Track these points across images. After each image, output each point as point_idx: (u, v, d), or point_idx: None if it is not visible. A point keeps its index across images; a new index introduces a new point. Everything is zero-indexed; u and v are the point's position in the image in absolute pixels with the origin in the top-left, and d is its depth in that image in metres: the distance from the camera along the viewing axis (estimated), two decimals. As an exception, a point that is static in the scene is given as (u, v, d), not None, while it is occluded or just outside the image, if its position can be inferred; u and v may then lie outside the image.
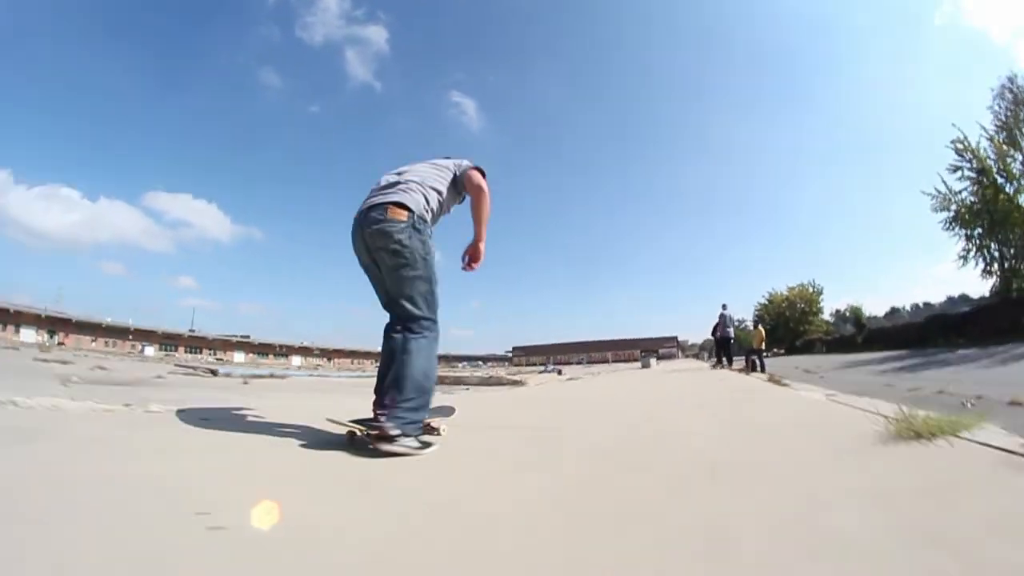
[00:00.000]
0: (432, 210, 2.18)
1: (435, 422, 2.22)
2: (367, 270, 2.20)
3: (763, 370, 12.55)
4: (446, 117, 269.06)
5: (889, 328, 31.04)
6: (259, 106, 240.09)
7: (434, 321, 2.10)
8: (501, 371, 22.56)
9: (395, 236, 2.01)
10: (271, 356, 67.13)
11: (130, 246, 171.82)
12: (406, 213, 2.04)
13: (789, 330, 46.05)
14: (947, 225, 23.04)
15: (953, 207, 22.74)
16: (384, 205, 2.05)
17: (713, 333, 15.53)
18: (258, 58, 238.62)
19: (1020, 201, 20.27)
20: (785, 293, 49.60)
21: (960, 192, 22.43)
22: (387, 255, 2.04)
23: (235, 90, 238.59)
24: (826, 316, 49.41)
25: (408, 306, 2.04)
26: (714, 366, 14.07)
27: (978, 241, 22.52)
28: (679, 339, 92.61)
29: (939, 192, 23.07)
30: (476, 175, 2.28)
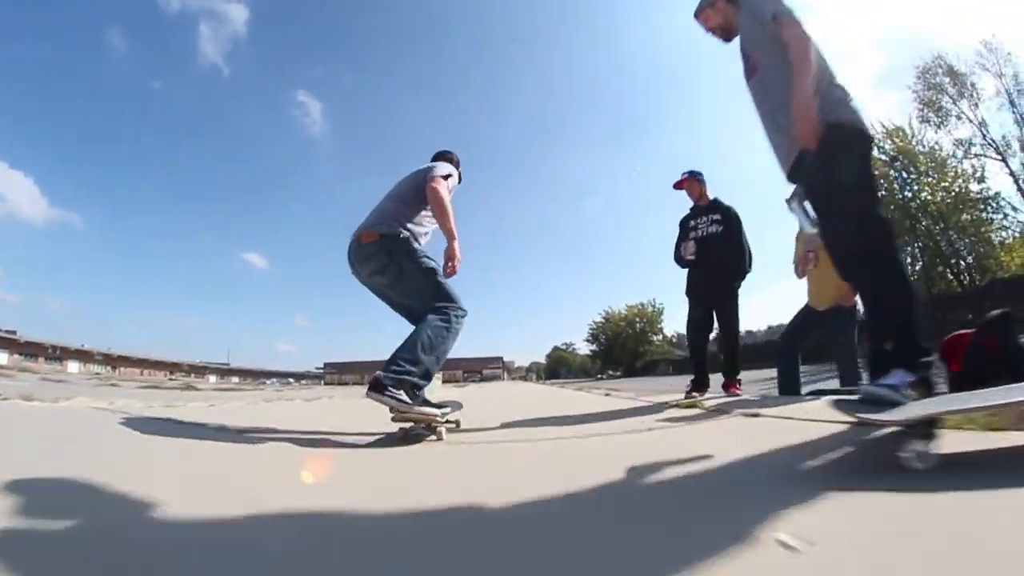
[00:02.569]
0: (410, 221, 2.42)
1: (453, 416, 2.34)
2: (378, 295, 2.54)
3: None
4: (288, 116, 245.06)
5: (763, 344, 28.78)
6: (99, 70, 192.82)
7: (453, 303, 2.34)
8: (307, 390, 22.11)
9: (375, 259, 2.37)
10: (41, 359, 54.58)
11: None
12: (377, 235, 2.36)
13: (627, 351, 44.04)
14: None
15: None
16: (357, 236, 2.42)
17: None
18: (107, 12, 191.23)
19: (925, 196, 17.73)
20: (624, 312, 47.84)
21: None
22: (380, 277, 2.42)
23: (75, 43, 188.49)
24: (670, 335, 48.94)
25: (424, 304, 2.31)
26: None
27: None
28: (504, 360, 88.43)
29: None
30: (431, 184, 2.41)
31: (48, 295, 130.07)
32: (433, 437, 2.19)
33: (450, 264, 2.40)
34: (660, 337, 46.31)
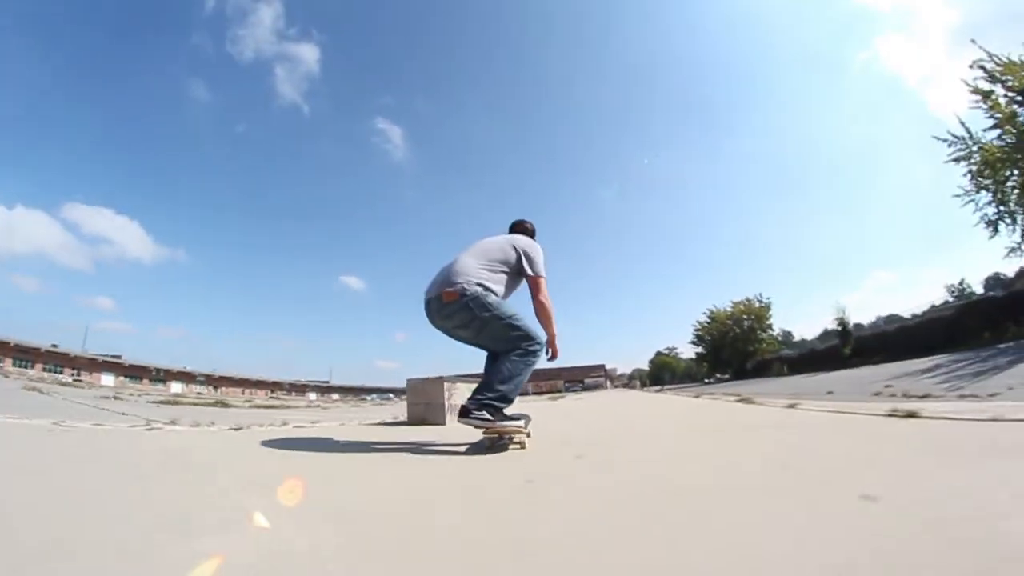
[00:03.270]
0: (490, 281, 2.69)
1: (527, 427, 2.64)
2: (457, 339, 2.82)
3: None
4: (371, 144, 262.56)
5: (878, 335, 25.04)
6: (186, 120, 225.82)
7: (528, 340, 2.66)
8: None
9: (458, 316, 2.63)
10: (145, 380, 57.79)
11: (47, 260, 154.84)
12: (457, 295, 2.60)
13: (736, 351, 40.63)
14: (970, 178, 15.80)
15: (975, 153, 15.41)
16: (438, 295, 2.65)
17: None
18: (188, 68, 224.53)
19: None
20: (729, 309, 44.31)
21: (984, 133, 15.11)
22: (463, 331, 2.69)
23: (163, 99, 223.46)
24: (776, 333, 44.63)
25: (505, 345, 2.64)
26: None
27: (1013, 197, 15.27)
28: (607, 367, 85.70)
29: (955, 137, 15.61)
30: (541, 289, 2.80)
31: (160, 323, 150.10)
32: (516, 445, 2.57)
33: (554, 358, 2.86)
34: (769, 334, 42.25)
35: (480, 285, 2.62)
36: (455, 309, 2.60)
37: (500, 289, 2.70)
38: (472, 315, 2.58)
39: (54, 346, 55.38)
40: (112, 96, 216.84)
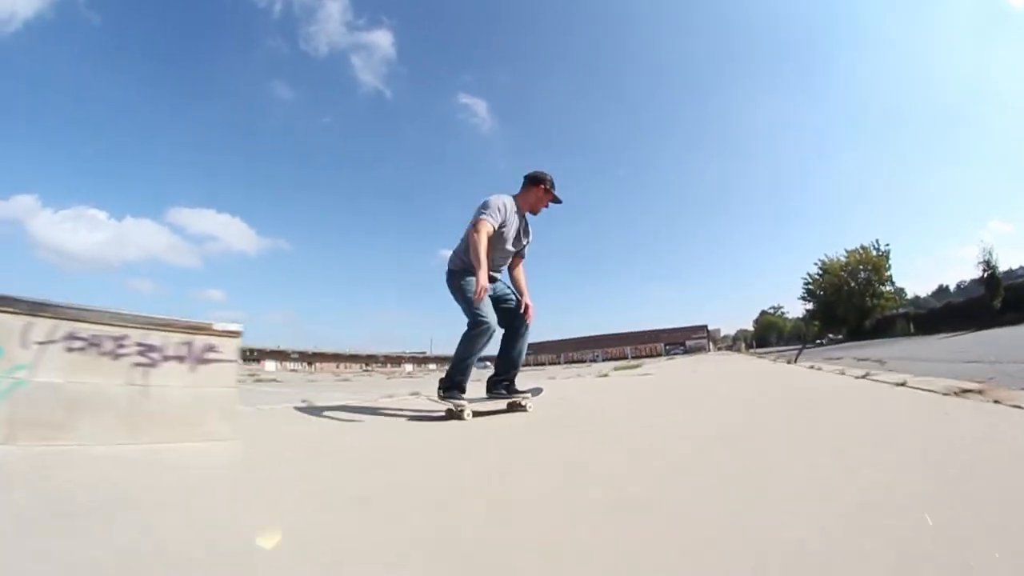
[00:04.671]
0: (465, 261, 3.06)
1: (523, 400, 3.23)
2: None
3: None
4: (456, 120, 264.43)
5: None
6: (273, 119, 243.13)
7: (474, 321, 2.98)
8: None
9: (448, 286, 3.17)
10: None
11: (158, 262, 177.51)
12: (448, 271, 3.18)
13: (852, 307, 35.54)
14: None
15: None
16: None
17: None
18: (267, 71, 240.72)
19: None
20: (843, 259, 38.77)
21: None
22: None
23: (248, 104, 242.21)
24: (899, 286, 38.36)
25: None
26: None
27: None
28: (709, 328, 79.84)
29: None
30: (470, 230, 3.03)
31: (269, 309, 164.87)
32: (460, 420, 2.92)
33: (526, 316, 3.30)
34: (890, 287, 36.18)
35: (460, 261, 3.12)
36: (447, 280, 3.22)
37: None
38: (450, 288, 3.17)
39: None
40: (201, 108, 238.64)
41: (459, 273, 3.03)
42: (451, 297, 3.11)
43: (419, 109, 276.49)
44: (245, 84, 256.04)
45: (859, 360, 8.75)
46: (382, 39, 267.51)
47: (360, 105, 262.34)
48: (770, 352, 25.30)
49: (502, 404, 3.20)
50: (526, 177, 3.19)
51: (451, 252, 3.19)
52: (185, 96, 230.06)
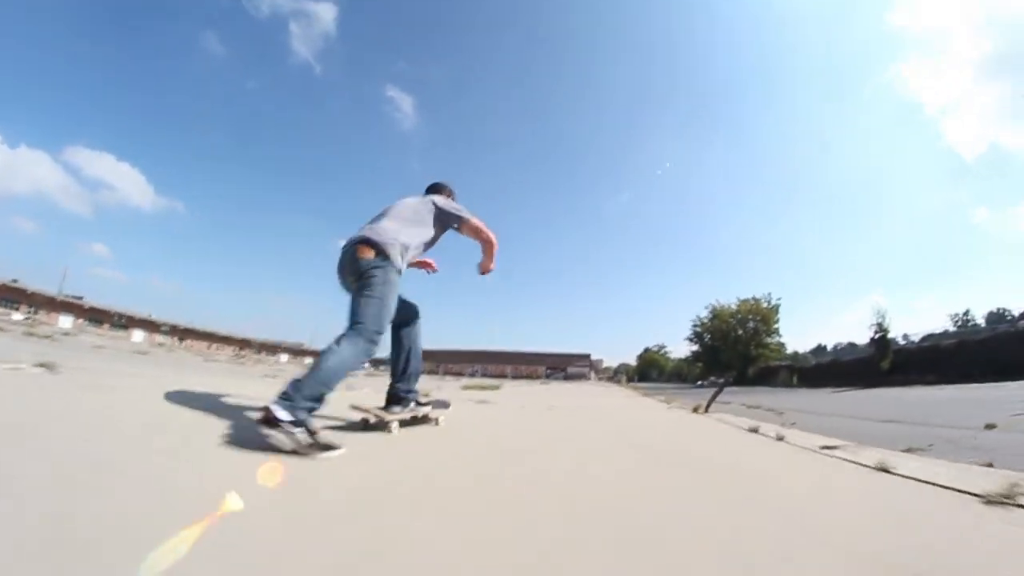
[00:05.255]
0: (405, 246, 2.44)
1: (433, 414, 2.86)
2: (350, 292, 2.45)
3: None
4: (380, 112, 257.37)
5: (928, 350, 20.51)
6: (197, 73, 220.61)
7: (377, 333, 2.25)
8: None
9: (362, 271, 2.30)
10: (107, 325, 54.11)
11: (47, 203, 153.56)
12: (373, 252, 2.33)
13: (737, 353, 36.38)
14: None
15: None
16: (354, 247, 2.36)
17: None
18: (203, 19, 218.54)
19: None
20: (734, 307, 39.91)
21: None
22: (354, 285, 2.33)
23: (176, 50, 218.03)
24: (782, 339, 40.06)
25: (359, 320, 2.20)
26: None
27: None
28: (593, 358, 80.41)
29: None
30: (479, 226, 2.75)
31: (153, 274, 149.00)
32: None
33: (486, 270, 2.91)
34: (776, 339, 37.82)
35: (398, 244, 2.46)
36: (360, 265, 2.35)
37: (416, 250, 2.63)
38: (360, 279, 2.45)
39: (14, 281, 52.33)
40: (123, 39, 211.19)
41: (390, 265, 2.35)
42: (342, 282, 2.46)
43: (345, 92, 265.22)
44: (177, 27, 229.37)
45: (750, 407, 8.05)
46: (325, 12, 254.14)
47: (287, 76, 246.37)
48: (654, 388, 24.32)
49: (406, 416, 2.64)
50: (437, 185, 3.02)
51: (377, 225, 2.48)
52: (107, 23, 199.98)
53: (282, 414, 1.71)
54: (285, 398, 1.77)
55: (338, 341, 2.07)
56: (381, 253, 2.32)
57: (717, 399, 6.50)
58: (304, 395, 1.83)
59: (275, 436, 1.69)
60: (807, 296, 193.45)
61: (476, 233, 2.75)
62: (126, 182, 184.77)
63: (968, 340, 19.48)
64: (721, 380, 35.95)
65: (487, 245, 2.78)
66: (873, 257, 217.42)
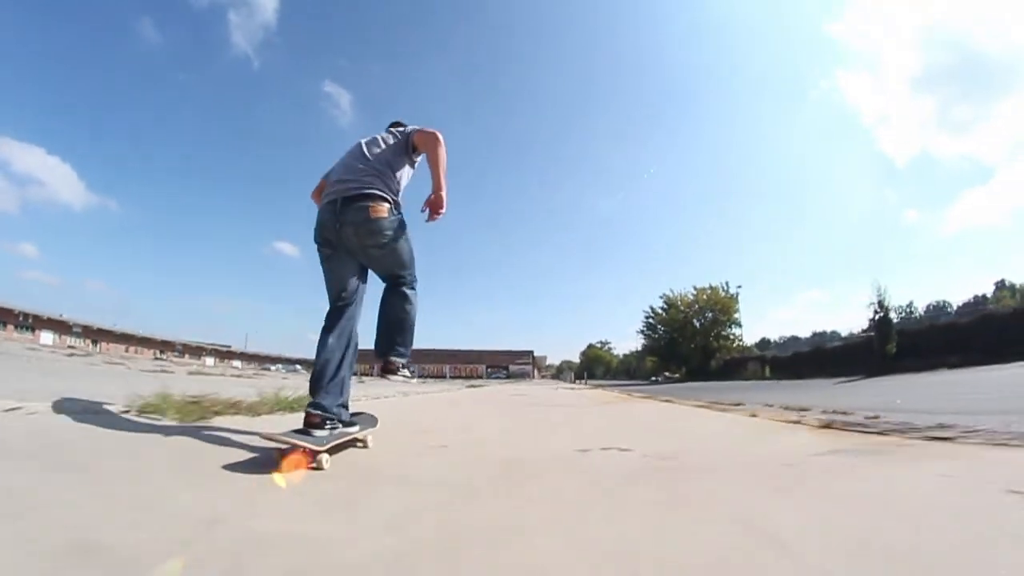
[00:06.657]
0: (401, 188, 2.40)
1: (362, 434, 2.36)
2: (334, 250, 2.27)
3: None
4: (317, 108, 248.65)
5: (926, 331, 17.58)
6: (130, 62, 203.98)
7: (416, 279, 2.45)
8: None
9: (385, 231, 2.20)
10: (10, 327, 48.26)
11: None
12: (387, 206, 2.21)
13: (696, 346, 33.10)
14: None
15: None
16: (365, 205, 2.17)
17: None
18: (140, 3, 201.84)
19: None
20: (691, 296, 36.76)
21: None
22: (377, 249, 2.25)
23: (109, 36, 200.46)
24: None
25: (402, 272, 2.37)
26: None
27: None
28: (535, 355, 77.65)
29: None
30: (424, 130, 2.43)
31: (87, 276, 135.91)
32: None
33: (436, 214, 2.39)
34: (737, 330, 35.01)
35: (389, 191, 2.35)
36: (378, 227, 2.23)
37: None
38: (390, 237, 2.37)
39: None
40: (60, 23, 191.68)
41: (393, 212, 2.26)
42: (332, 238, 2.24)
43: (283, 88, 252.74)
44: (111, 11, 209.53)
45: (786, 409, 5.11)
46: (267, 1, 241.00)
47: (224, 69, 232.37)
48: (614, 386, 20.19)
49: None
50: (397, 122, 2.67)
51: (371, 172, 2.29)
52: (40, 5, 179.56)
53: (400, 361, 2.37)
54: (397, 354, 2.35)
55: (400, 297, 2.36)
56: (393, 204, 2.28)
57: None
58: (406, 345, 2.39)
59: (395, 377, 2.41)
60: (757, 290, 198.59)
61: (428, 139, 2.38)
62: (57, 177, 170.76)
63: (995, 314, 16.65)
64: (676, 376, 32.65)
65: (436, 143, 2.35)
66: (801, 255, 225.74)
